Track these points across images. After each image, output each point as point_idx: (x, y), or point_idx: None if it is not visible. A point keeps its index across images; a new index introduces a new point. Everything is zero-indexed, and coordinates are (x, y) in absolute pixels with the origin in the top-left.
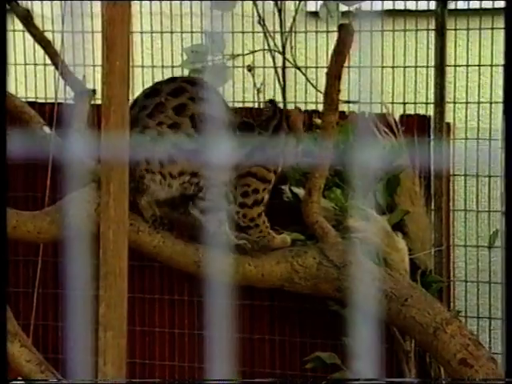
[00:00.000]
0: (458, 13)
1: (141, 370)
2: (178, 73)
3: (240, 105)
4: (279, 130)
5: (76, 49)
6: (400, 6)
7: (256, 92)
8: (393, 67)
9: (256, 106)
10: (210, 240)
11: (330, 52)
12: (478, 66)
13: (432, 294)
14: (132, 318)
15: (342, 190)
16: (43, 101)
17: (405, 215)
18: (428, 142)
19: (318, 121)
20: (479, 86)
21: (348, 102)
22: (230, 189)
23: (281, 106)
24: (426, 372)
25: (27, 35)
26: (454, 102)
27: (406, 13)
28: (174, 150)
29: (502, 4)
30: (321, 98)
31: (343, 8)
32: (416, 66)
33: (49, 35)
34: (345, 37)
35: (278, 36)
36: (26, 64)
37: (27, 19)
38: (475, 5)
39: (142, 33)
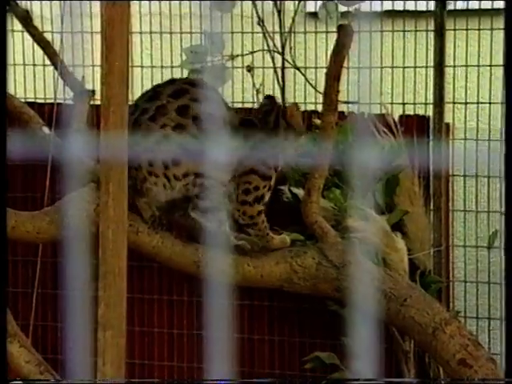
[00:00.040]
0: (457, 13)
1: (140, 371)
2: (177, 73)
3: (239, 105)
4: (278, 125)
5: (75, 49)
6: (399, 6)
7: (255, 92)
8: (392, 68)
9: (255, 106)
10: (210, 240)
11: (330, 52)
12: (477, 66)
13: (431, 294)
14: (131, 319)
15: (341, 190)
16: (42, 101)
17: (404, 215)
18: (427, 143)
19: (318, 121)
20: (478, 87)
21: (347, 102)
22: (232, 187)
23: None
24: (425, 372)
25: (26, 35)
26: (453, 103)
27: (405, 13)
28: (179, 152)
29: (501, 4)
30: (320, 98)
31: (342, 9)
32: (415, 67)
33: (48, 35)
34: (344, 37)
35: (277, 36)
36: (25, 64)
37: (26, 19)
38: (474, 5)
39: (141, 33)
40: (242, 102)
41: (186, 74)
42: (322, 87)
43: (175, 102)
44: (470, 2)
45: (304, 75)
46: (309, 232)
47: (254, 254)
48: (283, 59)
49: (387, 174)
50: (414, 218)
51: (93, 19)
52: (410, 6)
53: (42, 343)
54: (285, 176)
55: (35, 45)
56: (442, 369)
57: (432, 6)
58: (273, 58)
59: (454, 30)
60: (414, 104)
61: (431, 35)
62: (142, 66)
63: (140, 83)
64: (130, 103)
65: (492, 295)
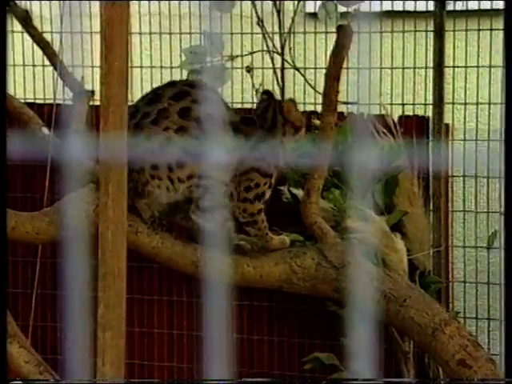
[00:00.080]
0: (456, 14)
1: (140, 371)
2: (176, 73)
3: (239, 106)
4: (276, 121)
5: (75, 49)
6: (398, 7)
7: (255, 93)
8: (391, 68)
9: (255, 106)
10: (210, 240)
11: (329, 53)
12: (477, 67)
13: (431, 294)
14: (131, 319)
15: (340, 190)
16: (42, 102)
17: (403, 216)
18: (426, 143)
19: (317, 122)
20: (478, 87)
21: (347, 103)
22: (233, 186)
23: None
24: (425, 373)
25: (26, 36)
26: (453, 103)
27: (404, 14)
28: (182, 154)
29: (500, 5)
30: (319, 98)
31: (342, 9)
32: (415, 67)
33: (47, 36)
34: (343, 38)
35: (276, 37)
36: (24, 65)
37: (26, 20)
38: (474, 6)
39: (140, 33)
40: (242, 103)
41: (185, 74)
42: (321, 88)
43: (177, 105)
44: (470, 2)
45: (303, 76)
46: (308, 233)
47: (253, 254)
48: (283, 60)
49: (386, 174)
50: (414, 218)
51: (92, 19)
52: (410, 7)
53: (42, 343)
54: (284, 176)
55: (35, 45)
56: (442, 369)
57: (431, 6)
58: (272, 59)
59: (454, 30)
60: (414, 104)
61: (431, 36)
62: (141, 67)
63: (139, 83)
64: (130, 104)
65: (491, 296)
